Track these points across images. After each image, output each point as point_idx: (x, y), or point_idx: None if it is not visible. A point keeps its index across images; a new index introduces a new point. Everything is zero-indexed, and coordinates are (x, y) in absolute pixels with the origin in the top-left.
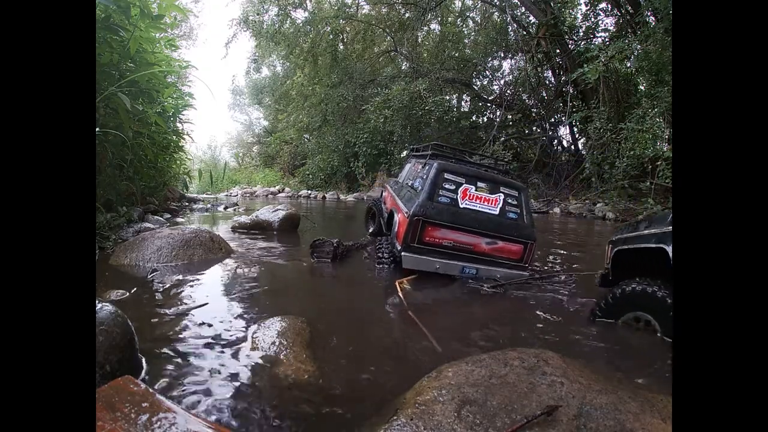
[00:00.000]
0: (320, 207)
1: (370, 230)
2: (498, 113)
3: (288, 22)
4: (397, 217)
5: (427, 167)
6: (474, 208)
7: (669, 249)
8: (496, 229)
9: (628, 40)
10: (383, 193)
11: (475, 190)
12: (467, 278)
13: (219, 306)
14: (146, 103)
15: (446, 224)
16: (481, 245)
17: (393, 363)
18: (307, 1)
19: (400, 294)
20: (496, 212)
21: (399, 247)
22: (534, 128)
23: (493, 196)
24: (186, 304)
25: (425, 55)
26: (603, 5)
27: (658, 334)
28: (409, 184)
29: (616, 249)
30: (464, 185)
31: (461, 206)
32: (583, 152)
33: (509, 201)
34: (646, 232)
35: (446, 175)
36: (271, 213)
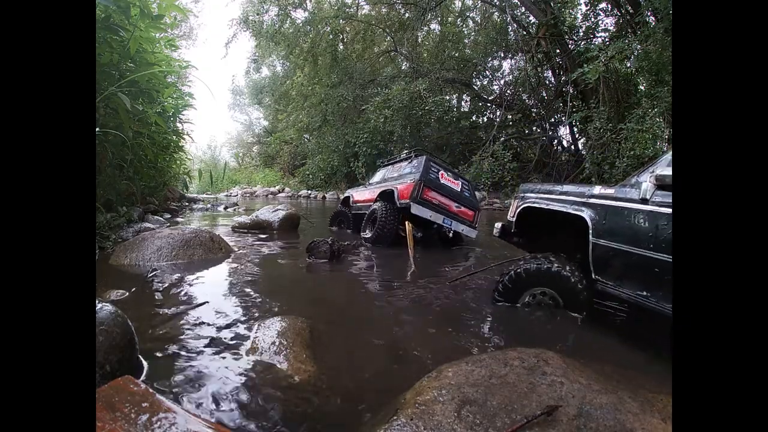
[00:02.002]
0: (320, 207)
1: (364, 234)
2: (498, 113)
3: (288, 22)
4: (398, 188)
5: (416, 160)
6: (448, 184)
7: (587, 217)
8: (460, 199)
9: (628, 40)
10: (350, 198)
11: (447, 174)
12: (447, 228)
13: (219, 306)
14: (146, 103)
15: (434, 189)
16: (452, 207)
17: (393, 363)
18: (307, 1)
19: (408, 229)
20: (459, 189)
21: (404, 200)
22: (534, 128)
23: (456, 180)
24: (186, 304)
25: (425, 55)
26: (603, 5)
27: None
28: (395, 176)
29: (524, 205)
30: (441, 171)
31: (441, 182)
32: (583, 152)
33: (465, 185)
34: (563, 197)
35: (431, 163)
36: (271, 213)
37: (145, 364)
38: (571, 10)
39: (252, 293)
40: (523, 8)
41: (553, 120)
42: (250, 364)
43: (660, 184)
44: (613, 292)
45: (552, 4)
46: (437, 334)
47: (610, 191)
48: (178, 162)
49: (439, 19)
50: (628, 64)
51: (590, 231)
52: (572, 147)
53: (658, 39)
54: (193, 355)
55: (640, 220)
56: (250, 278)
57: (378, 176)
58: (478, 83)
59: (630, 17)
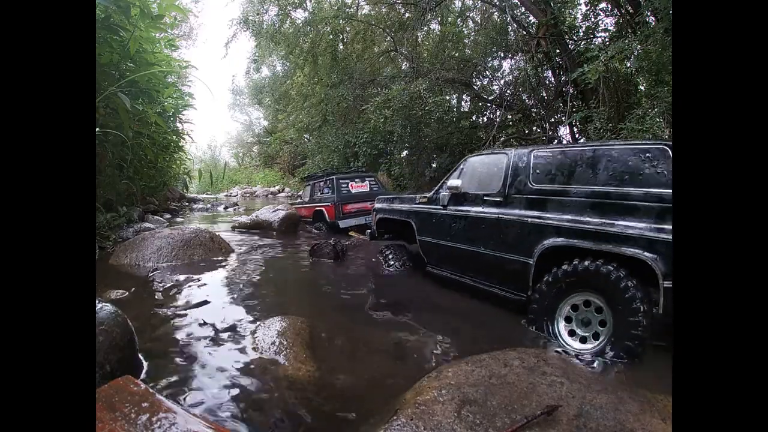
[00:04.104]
0: None
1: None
2: (498, 113)
3: (288, 22)
4: (325, 210)
5: (329, 181)
6: (358, 191)
7: (413, 222)
8: (371, 197)
9: (628, 40)
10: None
11: (355, 182)
12: (369, 224)
13: (219, 306)
14: (146, 103)
15: (350, 201)
16: (367, 206)
17: (393, 363)
18: (307, 1)
19: (355, 236)
20: (368, 189)
21: (332, 220)
22: (534, 128)
23: (363, 182)
24: (186, 303)
25: (425, 55)
26: (603, 5)
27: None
28: (319, 195)
29: (378, 216)
30: (350, 182)
31: (352, 192)
32: None
33: (372, 183)
34: (397, 208)
35: (341, 180)
36: (271, 213)
37: (145, 363)
38: (571, 10)
39: (252, 293)
40: (523, 8)
41: (553, 120)
42: (250, 364)
43: (453, 192)
44: (437, 272)
45: (552, 4)
46: (437, 334)
47: (424, 199)
48: (178, 162)
49: (439, 19)
50: (628, 64)
51: (416, 231)
52: None
53: (658, 39)
54: (193, 354)
55: (443, 221)
56: (250, 278)
57: (307, 191)
58: (478, 83)
59: (630, 17)
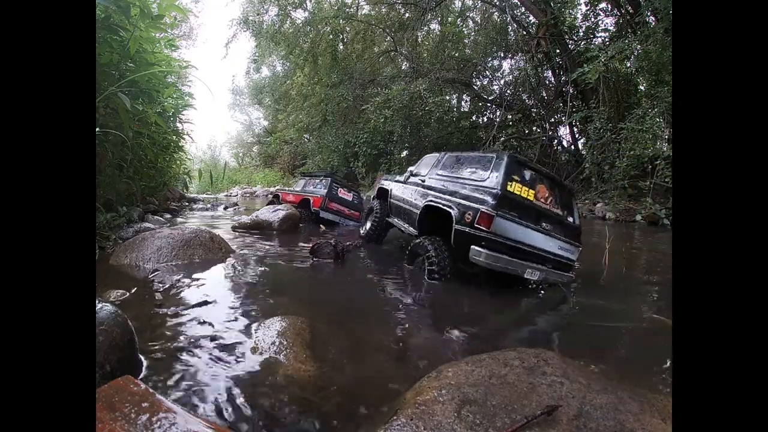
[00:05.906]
0: None
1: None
2: (498, 113)
3: (288, 22)
4: (312, 199)
5: (323, 180)
6: (344, 197)
7: (390, 188)
8: (351, 206)
9: (628, 40)
10: (279, 196)
11: (344, 190)
12: (343, 225)
13: (219, 306)
14: (146, 103)
15: (334, 201)
16: (345, 211)
17: (393, 363)
18: (307, 1)
19: (323, 228)
20: (350, 199)
21: (316, 209)
22: (534, 128)
23: (350, 193)
24: (186, 304)
25: (425, 55)
26: (603, 5)
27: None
28: (311, 188)
29: (378, 185)
30: (339, 188)
31: (339, 195)
32: (583, 152)
33: (354, 196)
34: (388, 180)
35: (333, 183)
36: (271, 213)
37: (145, 363)
38: (571, 10)
39: (252, 293)
40: (523, 8)
41: (553, 120)
42: (249, 364)
43: (410, 173)
44: (393, 222)
45: (552, 4)
46: (437, 334)
47: (400, 178)
48: (178, 162)
49: (439, 19)
50: (628, 64)
51: (390, 195)
52: (572, 147)
53: (658, 39)
54: (193, 354)
55: (402, 190)
56: (250, 278)
57: (300, 184)
58: (478, 83)
59: (630, 17)
